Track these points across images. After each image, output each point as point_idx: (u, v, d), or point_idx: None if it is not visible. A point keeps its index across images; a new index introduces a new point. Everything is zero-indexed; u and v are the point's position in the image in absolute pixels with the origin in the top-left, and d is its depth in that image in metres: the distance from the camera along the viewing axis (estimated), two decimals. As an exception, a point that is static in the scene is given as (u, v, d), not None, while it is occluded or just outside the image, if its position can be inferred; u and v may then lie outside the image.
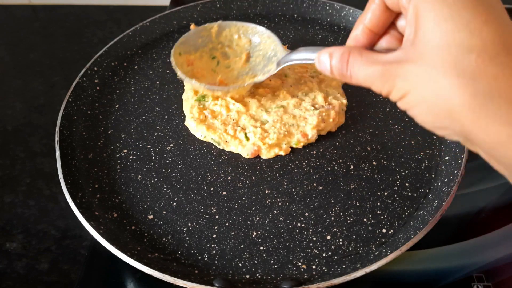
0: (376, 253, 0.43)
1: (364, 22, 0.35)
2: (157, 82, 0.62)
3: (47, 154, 0.64)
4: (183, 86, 0.61)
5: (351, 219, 0.47)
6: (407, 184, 0.50)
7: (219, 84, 0.55)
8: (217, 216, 0.47)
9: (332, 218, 0.47)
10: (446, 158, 0.52)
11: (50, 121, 0.67)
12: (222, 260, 0.43)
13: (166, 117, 0.57)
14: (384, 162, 0.52)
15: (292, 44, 0.68)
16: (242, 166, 0.52)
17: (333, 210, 0.48)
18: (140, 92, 0.61)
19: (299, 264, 0.43)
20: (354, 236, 0.45)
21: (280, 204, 0.48)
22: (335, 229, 0.46)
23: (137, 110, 0.58)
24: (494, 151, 0.27)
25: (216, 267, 0.43)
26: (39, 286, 0.50)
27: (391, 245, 0.44)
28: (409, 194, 0.49)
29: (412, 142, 0.54)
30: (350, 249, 0.44)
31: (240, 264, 0.43)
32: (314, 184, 0.50)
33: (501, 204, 0.56)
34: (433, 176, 0.51)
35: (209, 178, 0.50)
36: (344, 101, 0.57)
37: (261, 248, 0.44)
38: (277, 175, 0.51)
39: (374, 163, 0.52)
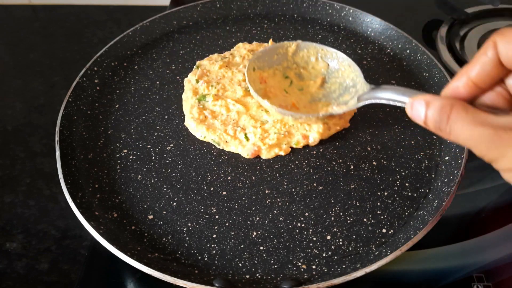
0: (376, 253, 0.43)
1: (470, 74, 0.31)
2: (157, 82, 0.62)
3: (47, 154, 0.64)
4: (183, 86, 0.61)
5: (351, 219, 0.47)
6: (407, 184, 0.50)
7: (291, 107, 0.53)
8: (217, 216, 0.47)
9: (332, 218, 0.47)
10: (446, 158, 0.52)
11: (50, 121, 0.67)
12: (222, 260, 0.43)
13: (166, 117, 0.57)
14: (384, 162, 0.52)
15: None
16: (242, 166, 0.52)
17: (333, 210, 0.48)
18: (140, 92, 0.61)
19: (299, 264, 0.43)
20: (354, 236, 0.45)
21: (280, 204, 0.48)
22: (335, 229, 0.46)
23: (137, 110, 0.58)
24: None
25: (216, 267, 0.43)
26: (39, 286, 0.50)
27: (391, 245, 0.44)
28: (409, 194, 0.49)
29: (412, 142, 0.54)
30: (350, 249, 0.44)
31: (240, 264, 0.43)
32: (314, 184, 0.50)
33: (501, 204, 0.56)
34: (433, 176, 0.51)
35: (209, 178, 0.50)
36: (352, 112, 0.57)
37: (261, 248, 0.44)
38: (277, 175, 0.51)
39: (374, 163, 0.52)
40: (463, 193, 0.56)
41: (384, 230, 0.46)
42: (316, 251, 0.44)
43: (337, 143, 0.54)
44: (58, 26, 0.89)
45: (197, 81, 0.58)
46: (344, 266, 0.43)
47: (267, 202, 0.48)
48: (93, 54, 0.63)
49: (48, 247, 0.53)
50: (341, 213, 0.47)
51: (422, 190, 0.49)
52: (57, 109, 0.55)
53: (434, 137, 0.55)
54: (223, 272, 0.43)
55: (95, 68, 0.62)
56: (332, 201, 0.48)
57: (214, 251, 0.44)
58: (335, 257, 0.44)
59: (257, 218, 0.47)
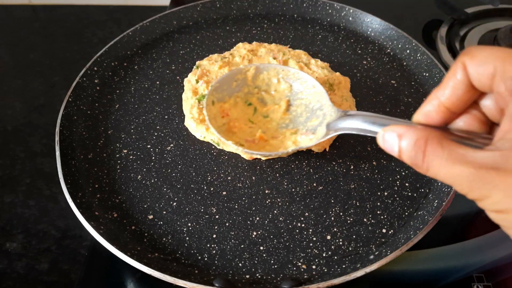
0: (376, 253, 0.43)
1: (441, 99, 0.29)
2: (157, 82, 0.62)
3: (47, 154, 0.64)
4: (183, 86, 0.61)
5: (351, 219, 0.47)
6: (407, 184, 0.50)
7: (259, 140, 0.50)
8: (217, 216, 0.47)
9: (332, 218, 0.47)
10: (446, 158, 0.52)
11: (50, 121, 0.67)
12: (222, 260, 0.43)
13: (166, 117, 0.57)
14: (384, 162, 0.52)
15: (292, 44, 0.68)
16: (242, 166, 0.52)
17: (333, 210, 0.48)
18: (140, 92, 0.61)
19: (299, 264, 0.43)
20: (354, 236, 0.45)
21: (280, 204, 0.48)
22: (335, 229, 0.46)
23: (137, 110, 0.58)
24: None
25: (216, 267, 0.43)
26: (39, 286, 0.50)
27: (391, 245, 0.44)
28: (409, 194, 0.49)
29: (412, 142, 0.54)
30: (350, 249, 0.44)
31: (240, 264, 0.43)
32: (314, 184, 0.50)
33: (501, 204, 0.56)
34: (433, 176, 0.51)
35: (209, 178, 0.50)
36: (354, 108, 0.57)
37: (261, 248, 0.44)
38: (277, 175, 0.51)
39: (374, 163, 0.52)
40: (463, 193, 0.56)
41: (384, 230, 0.46)
42: (316, 251, 0.44)
43: (337, 143, 0.54)
44: (58, 26, 0.89)
45: (197, 81, 0.58)
46: (344, 266, 0.43)
47: (267, 202, 0.48)
48: (93, 54, 0.63)
49: (48, 247, 0.53)
50: (341, 213, 0.47)
51: (422, 190, 0.49)
52: (57, 109, 0.55)
53: None
54: (223, 272, 0.43)
55: (95, 68, 0.62)
56: (332, 201, 0.48)
57: (214, 251, 0.44)
58: (335, 257, 0.44)
59: (257, 218, 0.47)
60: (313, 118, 0.49)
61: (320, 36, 0.70)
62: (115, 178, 0.51)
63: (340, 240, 0.45)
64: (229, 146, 0.52)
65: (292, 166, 0.52)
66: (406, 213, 0.47)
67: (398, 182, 0.50)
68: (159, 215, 0.47)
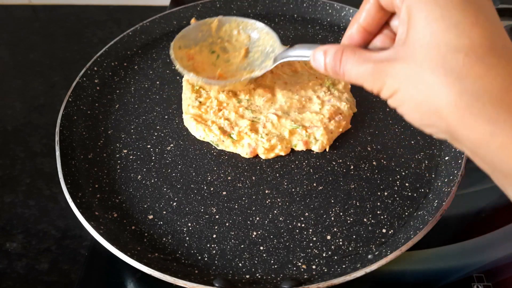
0: (376, 253, 0.43)
1: (359, 21, 0.35)
2: (157, 82, 0.62)
3: (47, 154, 0.64)
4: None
5: (351, 219, 0.47)
6: (407, 184, 0.50)
7: (218, 78, 0.56)
8: (217, 216, 0.47)
9: (332, 218, 0.47)
10: (446, 158, 0.52)
11: (50, 121, 0.67)
12: (222, 260, 0.43)
13: (166, 117, 0.57)
14: (384, 162, 0.52)
15: (292, 44, 0.67)
16: (242, 166, 0.52)
17: (333, 210, 0.48)
18: (140, 92, 0.61)
19: (299, 264, 0.43)
20: (354, 236, 0.45)
21: (280, 204, 0.48)
22: (335, 229, 0.46)
23: (137, 110, 0.58)
24: (478, 149, 0.27)
25: (216, 267, 0.43)
26: (39, 286, 0.50)
27: (391, 245, 0.44)
28: (409, 194, 0.49)
29: (412, 142, 0.54)
30: (350, 249, 0.44)
31: (240, 264, 0.43)
32: (314, 184, 0.50)
33: (501, 204, 0.56)
34: (433, 176, 0.51)
35: (209, 178, 0.50)
36: (354, 108, 0.57)
37: (261, 248, 0.44)
38: (277, 175, 0.51)
39: (374, 163, 0.52)
40: (463, 193, 0.56)
41: (384, 230, 0.46)
42: (316, 251, 0.44)
43: (337, 143, 0.54)
44: (58, 26, 0.89)
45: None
46: (344, 266, 0.43)
47: (267, 202, 0.48)
48: (93, 54, 0.63)
49: (48, 247, 0.53)
50: (341, 213, 0.47)
51: (422, 190, 0.49)
52: (57, 109, 0.55)
53: (434, 137, 0.55)
54: (223, 272, 0.43)
55: (95, 68, 0.62)
56: (332, 201, 0.48)
57: (214, 251, 0.44)
58: (335, 257, 0.44)
59: (257, 218, 0.47)
60: (267, 60, 0.55)
61: (320, 36, 0.70)
62: (115, 178, 0.51)
63: (340, 240, 0.45)
64: (229, 146, 0.52)
65: (292, 166, 0.52)
66: (406, 213, 0.47)
67: (398, 182, 0.50)
68: (159, 215, 0.47)
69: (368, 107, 0.58)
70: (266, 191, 0.49)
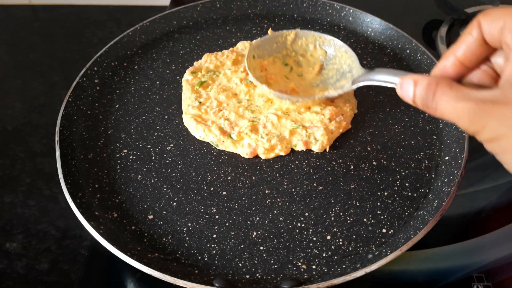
0: (376, 253, 0.43)
1: (456, 54, 0.33)
2: (157, 82, 0.62)
3: (47, 154, 0.64)
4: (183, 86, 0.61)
5: (351, 219, 0.47)
6: (407, 184, 0.50)
7: (291, 92, 0.54)
8: (217, 216, 0.47)
9: (332, 218, 0.47)
10: (446, 158, 0.52)
11: (50, 121, 0.67)
12: (222, 260, 0.43)
13: (166, 117, 0.57)
14: (384, 162, 0.52)
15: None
16: (242, 166, 0.52)
17: (333, 210, 0.48)
18: (140, 92, 0.61)
19: (299, 264, 0.43)
20: (354, 236, 0.45)
21: (280, 204, 0.48)
22: (335, 229, 0.46)
23: (137, 110, 0.58)
24: None
25: (216, 267, 0.43)
26: (39, 286, 0.50)
27: (391, 245, 0.44)
28: (409, 194, 0.49)
29: (412, 142, 0.54)
30: (350, 249, 0.44)
31: (240, 264, 0.43)
32: (314, 184, 0.50)
33: (501, 204, 0.56)
34: (433, 176, 0.51)
35: (209, 178, 0.50)
36: (355, 109, 0.57)
37: (261, 248, 0.44)
38: (277, 175, 0.51)
39: (374, 163, 0.52)
40: (463, 193, 0.56)
41: (384, 230, 0.46)
42: (316, 251, 0.44)
43: (337, 143, 0.54)
44: (58, 26, 0.89)
45: (193, 73, 0.59)
46: (344, 266, 0.43)
47: (267, 202, 0.48)
48: (93, 54, 0.63)
49: (48, 247, 0.53)
50: (341, 213, 0.47)
51: (422, 190, 0.49)
52: (57, 109, 0.55)
53: (434, 137, 0.55)
54: (223, 272, 0.43)
55: (95, 68, 0.62)
56: (332, 201, 0.48)
57: (214, 251, 0.44)
58: (335, 257, 0.44)
59: (257, 218, 0.47)
60: (342, 79, 0.54)
61: (320, 36, 0.70)
62: (115, 178, 0.51)
63: (340, 240, 0.45)
64: (228, 146, 0.52)
65: (292, 166, 0.52)
66: (406, 213, 0.47)
67: (398, 182, 0.50)
68: (159, 215, 0.47)
69: (368, 107, 0.58)
70: (266, 191, 0.49)
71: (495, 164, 0.31)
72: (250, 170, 0.51)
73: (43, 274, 0.51)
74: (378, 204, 0.48)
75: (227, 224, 0.46)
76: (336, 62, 0.56)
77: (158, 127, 0.56)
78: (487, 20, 0.31)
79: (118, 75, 0.63)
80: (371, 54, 0.67)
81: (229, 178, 0.50)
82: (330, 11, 0.73)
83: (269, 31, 0.62)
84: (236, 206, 0.48)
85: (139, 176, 0.51)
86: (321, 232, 0.46)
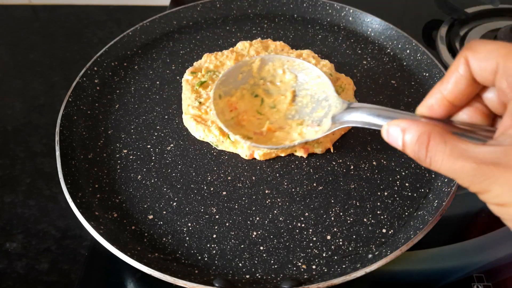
0: (376, 253, 0.43)
1: (443, 93, 0.30)
2: (157, 82, 0.62)
3: (47, 154, 0.64)
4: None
5: (351, 219, 0.47)
6: (407, 184, 0.50)
7: (267, 131, 0.50)
8: (217, 216, 0.47)
9: (332, 218, 0.47)
10: (446, 158, 0.52)
11: (50, 121, 0.67)
12: (222, 260, 0.43)
13: (166, 117, 0.57)
14: (384, 162, 0.52)
15: (292, 44, 0.68)
16: (242, 166, 0.52)
17: (333, 210, 0.48)
18: (140, 92, 0.61)
19: (299, 264, 0.43)
20: (354, 236, 0.45)
21: (280, 204, 0.48)
22: (335, 229, 0.46)
23: (137, 110, 0.58)
24: None
25: (216, 267, 0.43)
26: (39, 286, 0.50)
27: (391, 245, 0.44)
28: (409, 194, 0.49)
29: (412, 142, 0.54)
30: (350, 249, 0.44)
31: (240, 264, 0.43)
32: (314, 184, 0.50)
33: (501, 204, 0.56)
34: (433, 176, 0.51)
35: (209, 178, 0.50)
36: None
37: (261, 248, 0.44)
38: (277, 175, 0.51)
39: (374, 163, 0.52)
40: (463, 193, 0.55)
41: (384, 230, 0.46)
42: (316, 251, 0.44)
43: (337, 143, 0.54)
44: (58, 26, 0.89)
45: (193, 73, 0.59)
46: (344, 266, 0.43)
47: (267, 202, 0.48)
48: (93, 54, 0.63)
49: (48, 247, 0.53)
50: (341, 213, 0.47)
51: (422, 190, 0.49)
52: (57, 109, 0.55)
53: None
54: (223, 272, 0.43)
55: (95, 68, 0.62)
56: (332, 201, 0.48)
57: (214, 251, 0.44)
58: (335, 257, 0.44)
59: (257, 218, 0.47)
60: (319, 109, 0.49)
61: (320, 36, 0.70)
62: (115, 178, 0.51)
63: (340, 240, 0.45)
64: (228, 146, 0.52)
65: (292, 166, 0.52)
66: (406, 213, 0.47)
67: (398, 182, 0.50)
68: (159, 215, 0.47)
69: (368, 107, 0.58)
70: (266, 191, 0.49)
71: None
72: (250, 170, 0.51)
73: (43, 274, 0.51)
74: (378, 204, 0.48)
75: (227, 224, 0.46)
76: (309, 88, 0.52)
77: (158, 127, 0.56)
78: (476, 58, 0.28)
79: (118, 75, 0.63)
80: (371, 54, 0.67)
81: (229, 178, 0.50)
82: (330, 11, 0.73)
83: (232, 62, 0.58)
84: (236, 206, 0.48)
85: (139, 176, 0.51)
86: (321, 232, 0.46)
